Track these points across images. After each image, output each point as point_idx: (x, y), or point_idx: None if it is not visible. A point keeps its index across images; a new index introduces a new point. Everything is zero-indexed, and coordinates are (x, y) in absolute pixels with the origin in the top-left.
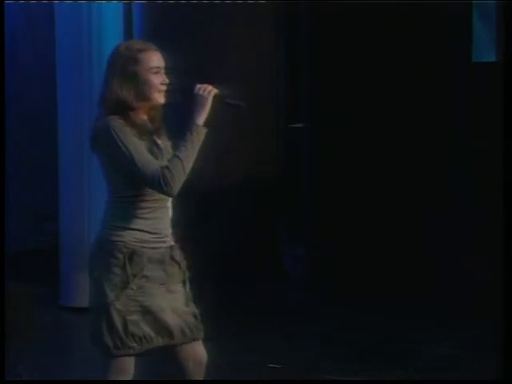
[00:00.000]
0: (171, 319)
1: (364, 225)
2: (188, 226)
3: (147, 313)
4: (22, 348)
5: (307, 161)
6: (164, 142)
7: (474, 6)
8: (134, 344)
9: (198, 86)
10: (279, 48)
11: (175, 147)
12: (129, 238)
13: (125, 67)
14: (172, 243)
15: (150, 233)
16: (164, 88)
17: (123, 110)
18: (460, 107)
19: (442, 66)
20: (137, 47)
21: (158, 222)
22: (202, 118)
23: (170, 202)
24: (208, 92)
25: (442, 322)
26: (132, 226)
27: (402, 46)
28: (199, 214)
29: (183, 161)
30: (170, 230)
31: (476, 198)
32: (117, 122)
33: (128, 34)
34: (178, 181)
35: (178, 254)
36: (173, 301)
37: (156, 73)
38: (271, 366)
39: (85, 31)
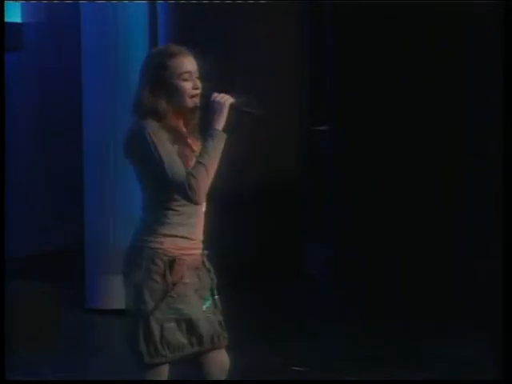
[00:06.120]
0: (203, 327)
1: (383, 225)
2: (214, 229)
3: (184, 321)
4: (48, 348)
5: (330, 162)
6: (198, 147)
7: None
8: (167, 352)
9: (215, 94)
10: (302, 50)
11: (198, 154)
12: (168, 245)
13: (155, 74)
14: (204, 249)
15: (188, 239)
16: (197, 92)
17: (156, 115)
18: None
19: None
20: (167, 53)
21: (195, 227)
22: (220, 124)
23: (204, 207)
24: (224, 99)
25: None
26: (172, 233)
27: (427, 48)
28: (224, 215)
29: (206, 166)
30: (202, 236)
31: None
32: (153, 126)
33: (153, 34)
34: (203, 186)
35: (209, 261)
36: (204, 308)
37: (186, 79)
38: (295, 368)
39: (111, 32)
